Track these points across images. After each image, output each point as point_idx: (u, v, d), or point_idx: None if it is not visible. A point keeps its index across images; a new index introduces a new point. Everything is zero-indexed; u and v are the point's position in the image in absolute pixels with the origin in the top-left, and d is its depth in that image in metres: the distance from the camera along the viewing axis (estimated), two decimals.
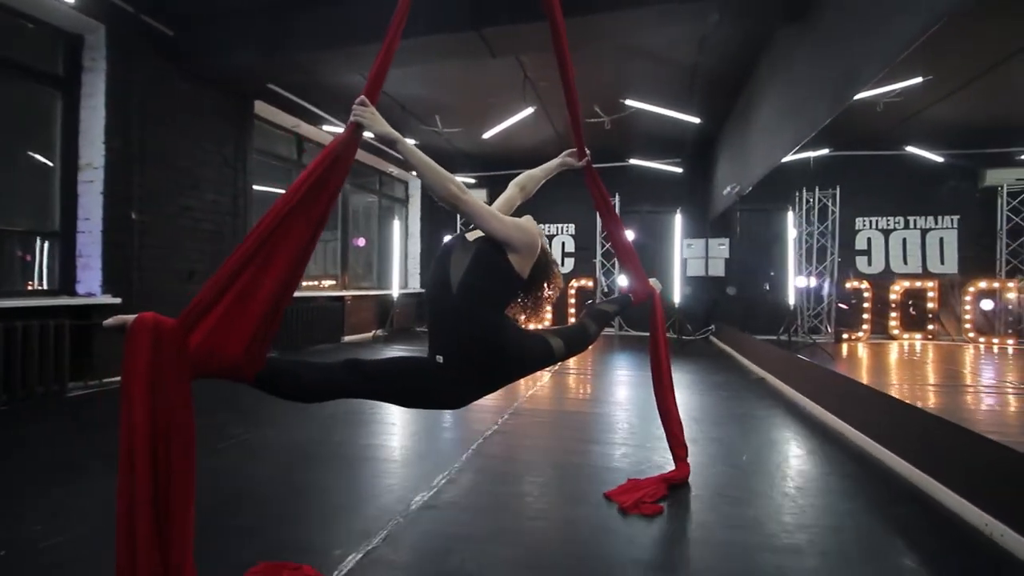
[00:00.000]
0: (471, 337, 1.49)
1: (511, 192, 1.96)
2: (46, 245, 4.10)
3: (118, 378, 4.08)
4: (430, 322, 1.57)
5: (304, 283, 6.90)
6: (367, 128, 1.40)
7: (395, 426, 3.15)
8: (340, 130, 4.73)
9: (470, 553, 1.63)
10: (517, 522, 1.89)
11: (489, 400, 3.76)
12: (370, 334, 8.01)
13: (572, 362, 5.59)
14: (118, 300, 4.12)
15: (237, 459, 2.53)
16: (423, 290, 9.62)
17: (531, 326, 1.82)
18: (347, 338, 7.32)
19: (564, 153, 2.07)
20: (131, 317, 1.15)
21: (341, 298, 7.27)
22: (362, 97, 1.40)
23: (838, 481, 2.32)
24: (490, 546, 1.69)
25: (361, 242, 8.78)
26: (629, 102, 5.65)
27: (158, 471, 1.10)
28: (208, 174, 5.06)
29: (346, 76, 5.14)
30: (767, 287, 7.62)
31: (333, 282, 7.66)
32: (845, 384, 3.18)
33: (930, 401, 3.99)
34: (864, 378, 5.15)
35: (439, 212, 9.87)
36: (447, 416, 3.29)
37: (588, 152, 2.07)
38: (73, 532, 1.75)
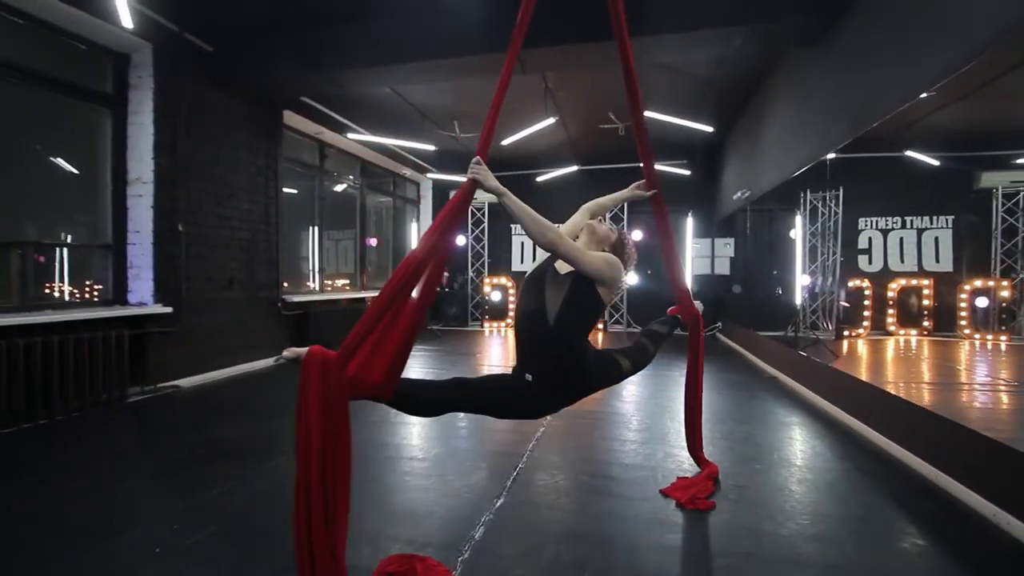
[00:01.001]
0: (561, 362, 1.75)
1: (579, 218, 2.20)
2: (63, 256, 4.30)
3: (170, 383, 4.34)
4: (521, 345, 1.82)
5: (325, 282, 7.11)
6: (481, 184, 1.64)
7: (446, 427, 3.41)
8: (363, 137, 5.03)
9: (562, 546, 1.89)
10: (589, 518, 2.15)
11: None
12: None
13: None
14: (169, 309, 4.33)
15: None
16: (436, 289, 9.83)
17: None
18: None
19: (634, 185, 2.26)
20: (304, 350, 1.41)
21: (362, 299, 7.48)
22: (477, 157, 1.64)
23: (854, 475, 2.60)
24: (575, 540, 1.95)
25: (373, 242, 8.98)
26: (647, 113, 5.86)
27: (326, 469, 1.36)
28: (243, 184, 5.25)
29: (374, 89, 5.32)
30: (779, 291, 7.92)
31: (346, 281, 7.87)
32: (854, 384, 3.46)
33: (927, 399, 4.30)
34: (864, 374, 5.47)
35: None
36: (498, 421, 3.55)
37: (657, 183, 2.22)
38: (207, 531, 1.99)
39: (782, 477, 2.58)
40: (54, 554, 1.83)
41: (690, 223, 8.07)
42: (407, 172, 9.13)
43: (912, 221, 8.18)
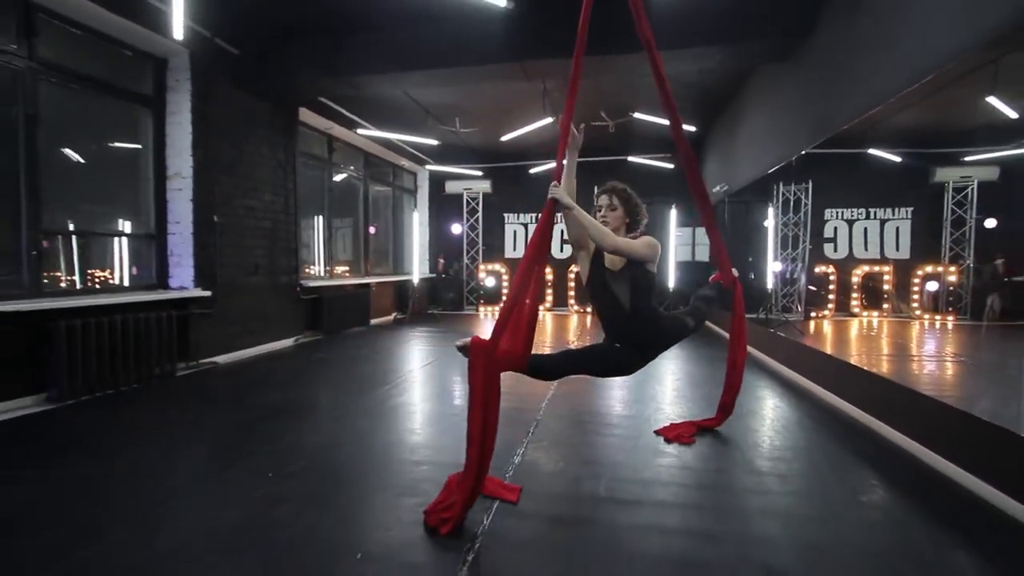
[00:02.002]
0: (642, 332, 2.35)
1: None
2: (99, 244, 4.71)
3: (212, 358, 4.80)
4: (608, 327, 2.39)
5: (328, 268, 7.53)
6: (558, 201, 2.17)
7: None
8: (371, 132, 5.60)
9: (582, 467, 2.47)
10: (599, 450, 2.74)
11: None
12: (391, 317, 8.74)
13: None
14: (208, 293, 4.78)
15: (363, 421, 3.31)
16: (433, 275, 10.34)
17: None
18: (373, 321, 8.02)
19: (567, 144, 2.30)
20: (468, 339, 1.98)
21: (368, 285, 7.95)
22: (555, 181, 2.18)
23: (808, 422, 3.24)
24: (591, 463, 2.53)
25: (372, 229, 9.41)
26: (637, 115, 6.42)
27: (487, 423, 1.94)
28: (265, 177, 5.67)
29: (389, 91, 5.77)
30: (752, 276, 8.60)
31: (346, 268, 8.29)
32: (811, 354, 4.11)
33: (884, 367, 4.99)
34: (828, 349, 6.17)
35: (446, 203, 10.54)
36: (510, 386, 4.11)
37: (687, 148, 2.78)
38: (299, 464, 2.52)
39: (749, 424, 3.21)
40: (188, 481, 2.34)
41: (673, 214, 8.68)
42: (405, 163, 9.56)
43: (875, 212, 8.93)
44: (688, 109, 6.66)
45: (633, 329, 2.32)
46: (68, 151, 4.24)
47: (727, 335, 7.04)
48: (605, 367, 2.40)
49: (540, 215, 2.19)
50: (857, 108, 3.44)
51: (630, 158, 8.81)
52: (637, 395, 3.89)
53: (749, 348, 5.74)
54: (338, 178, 8.12)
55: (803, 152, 4.62)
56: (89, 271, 4.34)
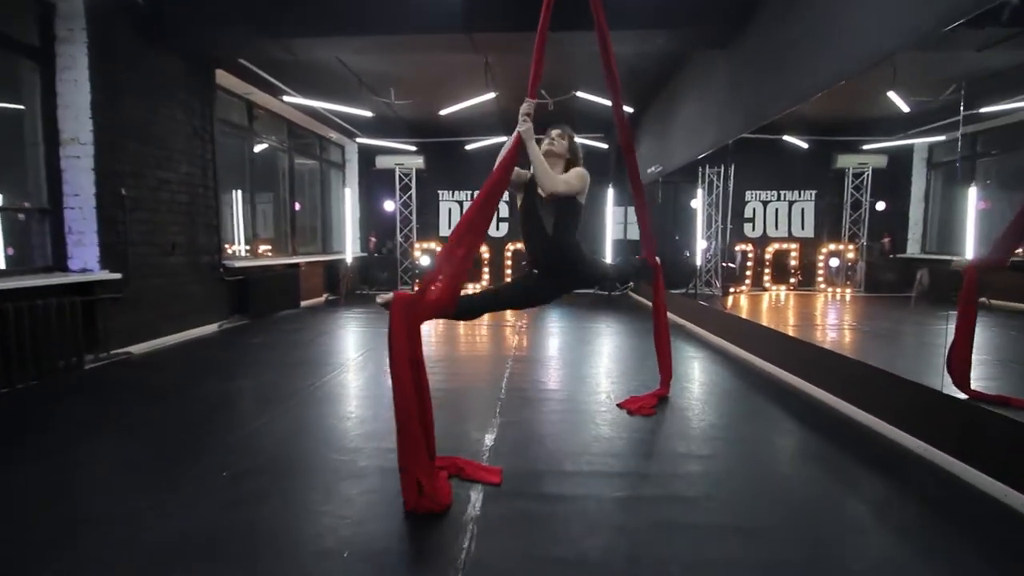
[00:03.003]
0: (561, 259, 2.47)
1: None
2: None
3: (122, 349, 4.34)
4: (531, 253, 2.50)
5: (243, 248, 6.97)
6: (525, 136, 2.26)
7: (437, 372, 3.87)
8: (298, 100, 5.34)
9: (551, 441, 2.51)
10: (566, 424, 2.79)
11: (494, 350, 4.58)
12: (322, 298, 8.31)
13: (554, 318, 6.54)
14: (117, 275, 4.26)
15: (323, 405, 3.13)
16: (364, 254, 9.92)
17: None
18: (304, 303, 7.59)
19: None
20: (391, 295, 1.96)
21: (296, 265, 7.48)
22: (529, 101, 2.31)
23: (729, 379, 3.51)
24: (560, 437, 2.57)
25: (296, 206, 8.83)
26: (580, 93, 6.44)
27: (419, 384, 1.92)
28: (180, 145, 5.10)
29: (322, 55, 5.35)
30: (688, 254, 9.06)
31: (269, 247, 7.74)
32: (736, 321, 4.43)
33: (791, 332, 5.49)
34: (744, 315, 6.69)
35: (377, 179, 10.09)
36: (470, 366, 4.06)
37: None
38: (263, 457, 2.33)
39: (693, 392, 3.41)
40: (138, 483, 2.09)
41: (610, 193, 8.90)
42: (333, 136, 9.01)
43: (785, 195, 9.69)
44: (625, 91, 6.78)
45: (553, 256, 2.44)
46: None
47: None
48: (525, 295, 2.54)
49: (505, 151, 2.24)
50: (789, 99, 3.67)
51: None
52: (592, 370, 4.00)
53: (681, 321, 6.08)
54: (259, 149, 7.49)
55: (742, 135, 4.87)
56: None
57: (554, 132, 2.56)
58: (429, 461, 1.94)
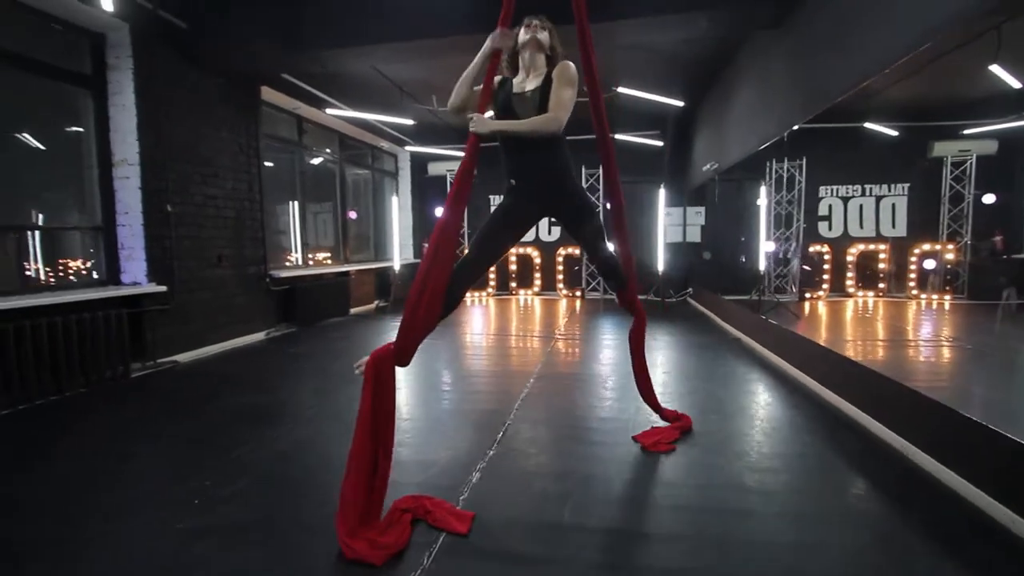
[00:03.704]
0: (544, 161, 2.18)
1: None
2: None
3: (169, 358, 4.52)
4: (509, 157, 2.21)
5: (305, 256, 7.23)
6: (480, 133, 2.01)
7: (435, 392, 3.71)
8: (342, 112, 5.28)
9: (548, 483, 2.23)
10: (570, 461, 2.49)
11: (515, 367, 4.35)
12: (373, 305, 8.46)
13: (569, 331, 6.22)
14: (163, 288, 4.48)
15: (326, 427, 3.05)
16: (418, 260, 10.02)
17: None
18: (353, 310, 7.74)
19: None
20: (366, 359, 1.90)
21: (347, 273, 7.64)
22: (472, 115, 2.04)
23: (800, 420, 3.01)
24: (559, 478, 2.29)
25: (352, 215, 9.07)
26: (621, 89, 6.06)
27: (377, 433, 1.82)
28: (226, 162, 5.32)
29: (355, 67, 5.38)
30: (743, 259, 8.35)
31: (327, 254, 8.00)
32: (804, 344, 3.86)
33: (879, 354, 4.77)
34: (822, 332, 5.96)
35: (429, 185, 10.17)
36: (486, 383, 3.86)
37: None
38: (240, 483, 2.26)
39: (736, 425, 2.97)
40: (107, 509, 2.09)
41: (662, 194, 8.36)
42: (385, 145, 9.16)
43: (871, 189, 8.64)
44: (673, 82, 6.31)
45: (534, 157, 2.16)
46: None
47: (716, 318, 6.88)
48: (501, 225, 2.22)
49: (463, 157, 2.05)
50: (852, 78, 3.14)
51: (616, 136, 8.44)
52: (621, 392, 3.65)
53: (739, 334, 5.52)
54: (316, 161, 7.76)
55: (795, 128, 4.31)
56: (30, 268, 4.02)
57: (534, 21, 2.23)
58: (356, 524, 1.75)
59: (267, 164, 6.50)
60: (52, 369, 3.60)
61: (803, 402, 3.35)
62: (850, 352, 4.82)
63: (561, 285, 9.65)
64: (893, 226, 8.55)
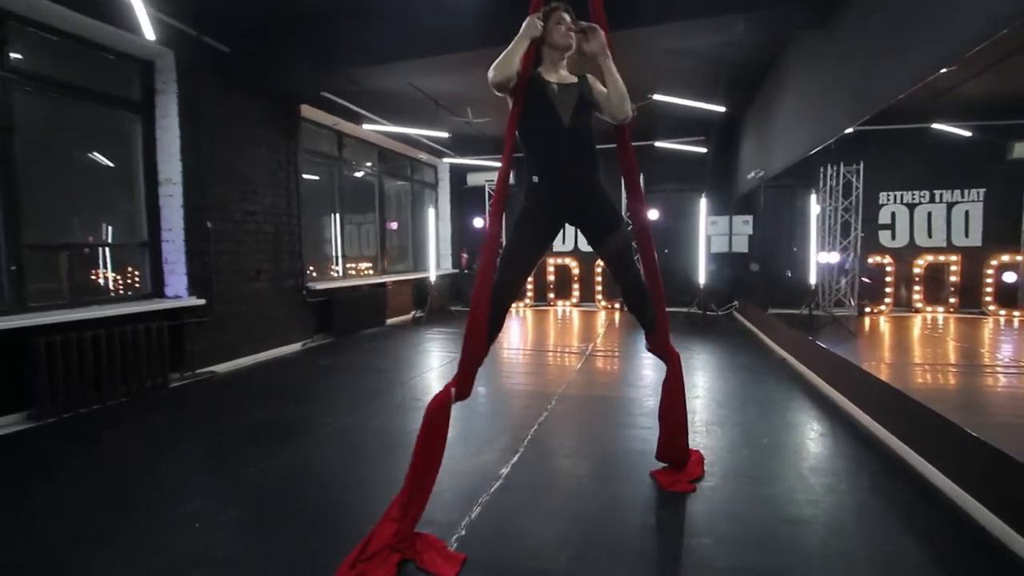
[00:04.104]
0: (575, 157, 2.16)
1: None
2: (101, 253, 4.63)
3: (207, 368, 4.68)
4: (537, 150, 2.18)
5: (347, 266, 7.40)
6: (591, 36, 2.25)
7: (459, 412, 3.63)
8: (379, 127, 5.30)
9: (549, 525, 2.10)
10: (578, 500, 2.35)
11: (539, 385, 4.21)
12: (410, 316, 8.54)
13: (604, 346, 6.02)
14: (202, 301, 4.66)
15: (336, 447, 3.04)
16: (456, 270, 10.07)
17: None
18: (390, 321, 7.84)
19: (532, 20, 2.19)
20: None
21: (383, 284, 7.76)
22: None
23: (847, 463, 2.72)
24: (562, 519, 2.16)
25: (394, 225, 9.22)
26: (657, 96, 5.84)
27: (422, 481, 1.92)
28: (265, 178, 5.50)
29: (390, 83, 5.46)
30: (789, 273, 7.86)
31: (369, 264, 8.16)
32: (856, 372, 3.52)
33: (950, 381, 4.30)
34: (883, 353, 5.47)
35: (468, 195, 10.22)
36: (504, 403, 3.76)
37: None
38: (245, 506, 2.27)
39: (768, 463, 2.72)
40: (101, 530, 2.13)
41: (703, 203, 7.98)
42: (424, 157, 9.28)
43: (941, 195, 7.93)
44: (715, 87, 6.01)
45: (565, 154, 2.14)
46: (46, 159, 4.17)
47: (762, 335, 6.46)
48: (526, 242, 2.17)
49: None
50: (905, 79, 2.83)
51: (657, 143, 8.18)
52: (655, 419, 3.45)
53: (785, 354, 5.15)
54: (358, 174, 7.95)
55: (845, 133, 3.97)
56: (81, 282, 4.27)
57: (566, 16, 2.21)
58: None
59: (312, 177, 6.75)
60: (95, 379, 3.80)
61: (850, 438, 3.04)
62: (916, 378, 4.38)
63: (600, 297, 9.42)
64: (966, 235, 7.80)
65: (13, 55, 3.63)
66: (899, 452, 2.76)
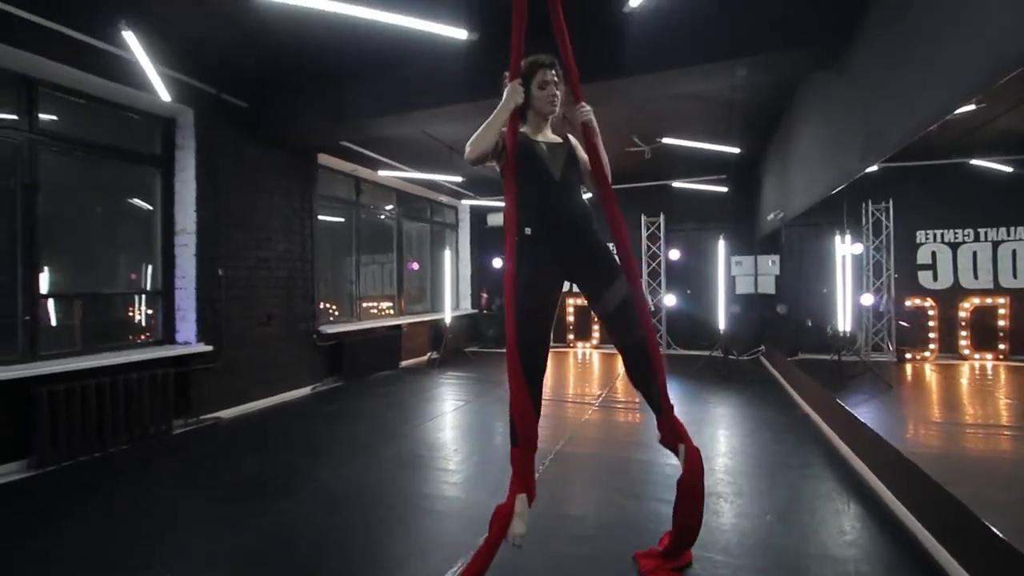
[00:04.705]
0: (568, 208, 2.12)
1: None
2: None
3: (212, 414, 4.71)
4: (529, 204, 2.08)
5: (364, 305, 7.46)
6: (582, 116, 2.17)
7: (449, 471, 3.50)
8: (394, 173, 5.31)
9: None
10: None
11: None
12: (425, 358, 8.50)
13: (622, 394, 5.78)
14: (210, 347, 4.73)
15: (321, 505, 2.95)
16: (475, 311, 10.04)
17: None
18: (404, 363, 7.81)
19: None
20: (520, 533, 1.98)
21: (398, 327, 7.77)
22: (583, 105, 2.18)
23: (863, 554, 2.42)
24: None
25: (415, 266, 9.31)
26: (666, 140, 5.77)
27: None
28: (279, 226, 5.65)
29: (396, 131, 5.59)
30: (809, 322, 7.46)
31: (390, 303, 8.20)
32: (877, 441, 3.19)
33: (1002, 446, 3.87)
34: (925, 408, 5.02)
35: (488, 236, 10.27)
36: (497, 467, 3.60)
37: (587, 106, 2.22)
38: (221, 565, 2.18)
39: (767, 551, 2.45)
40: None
41: (722, 244, 7.72)
42: (444, 199, 9.42)
43: (986, 233, 7.45)
44: (727, 129, 5.89)
45: (558, 200, 2.11)
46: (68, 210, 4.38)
47: (786, 384, 6.06)
48: (532, 295, 2.05)
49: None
50: (913, 125, 2.66)
51: (675, 183, 8.05)
52: (664, 485, 3.21)
53: (808, 408, 4.79)
54: (383, 216, 8.11)
55: (865, 173, 3.76)
56: (95, 328, 4.40)
57: (550, 76, 2.12)
58: None
59: (334, 219, 6.92)
60: (98, 427, 3.86)
61: (875, 525, 2.73)
62: (965, 441, 3.95)
63: None
64: (1014, 276, 7.24)
65: (43, 116, 3.88)
66: (934, 554, 2.43)
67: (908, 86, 2.71)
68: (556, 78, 2.14)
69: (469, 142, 2.08)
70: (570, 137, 2.29)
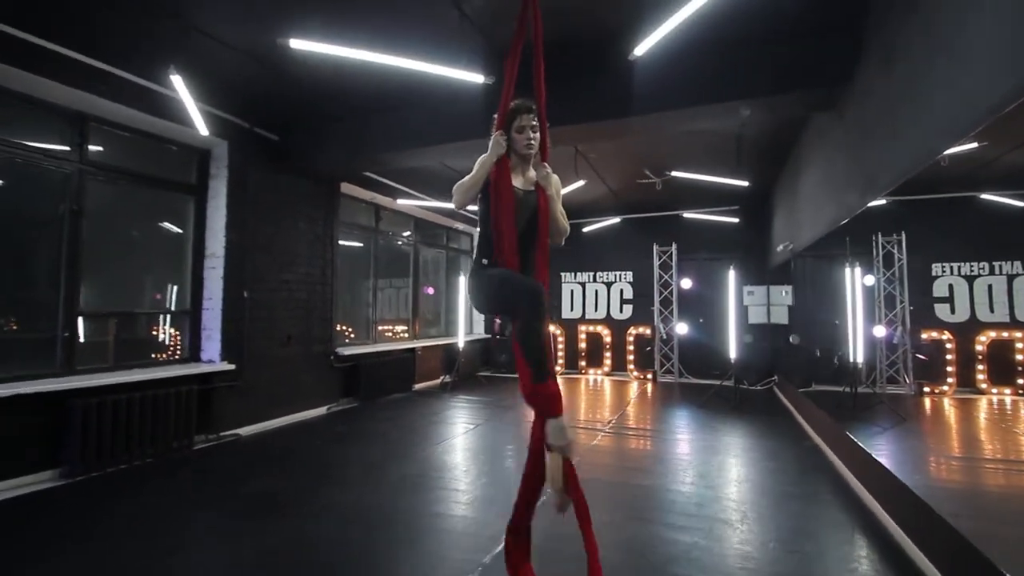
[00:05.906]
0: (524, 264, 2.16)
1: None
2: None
3: (232, 431, 4.86)
4: (494, 240, 2.13)
5: (380, 328, 7.65)
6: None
7: (458, 492, 3.59)
8: (412, 202, 5.49)
9: None
10: None
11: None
12: (438, 381, 8.62)
13: (634, 420, 5.81)
14: (232, 366, 4.93)
15: (326, 525, 3.06)
16: (487, 335, 10.16)
17: None
18: (417, 386, 7.93)
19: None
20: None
21: (412, 350, 7.92)
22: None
23: None
24: None
25: (430, 290, 9.52)
26: (675, 173, 5.95)
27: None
28: (302, 250, 5.91)
29: (411, 163, 5.87)
30: (818, 353, 7.44)
31: (405, 327, 8.38)
32: (887, 477, 3.19)
33: (1018, 481, 3.83)
34: (940, 443, 4.97)
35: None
36: (502, 485, 3.68)
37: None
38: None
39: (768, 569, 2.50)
40: None
41: (732, 275, 7.77)
42: (459, 226, 9.68)
43: (1000, 266, 7.42)
44: (736, 164, 6.06)
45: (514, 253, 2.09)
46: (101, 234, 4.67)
47: (798, 416, 6.03)
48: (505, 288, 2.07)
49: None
50: (905, 165, 2.79)
51: (686, 214, 8.20)
52: (678, 512, 3.26)
53: (818, 440, 4.78)
54: (401, 242, 8.38)
55: (895, 193, 3.80)
56: (126, 345, 4.63)
57: (531, 121, 2.14)
58: None
59: (354, 244, 7.19)
60: (126, 440, 4.04)
61: (887, 563, 2.74)
62: (987, 478, 3.90)
63: (632, 366, 9.19)
64: None
65: (91, 147, 4.20)
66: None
67: (896, 128, 2.85)
68: (534, 122, 2.20)
69: (456, 191, 2.18)
70: (552, 190, 2.27)
